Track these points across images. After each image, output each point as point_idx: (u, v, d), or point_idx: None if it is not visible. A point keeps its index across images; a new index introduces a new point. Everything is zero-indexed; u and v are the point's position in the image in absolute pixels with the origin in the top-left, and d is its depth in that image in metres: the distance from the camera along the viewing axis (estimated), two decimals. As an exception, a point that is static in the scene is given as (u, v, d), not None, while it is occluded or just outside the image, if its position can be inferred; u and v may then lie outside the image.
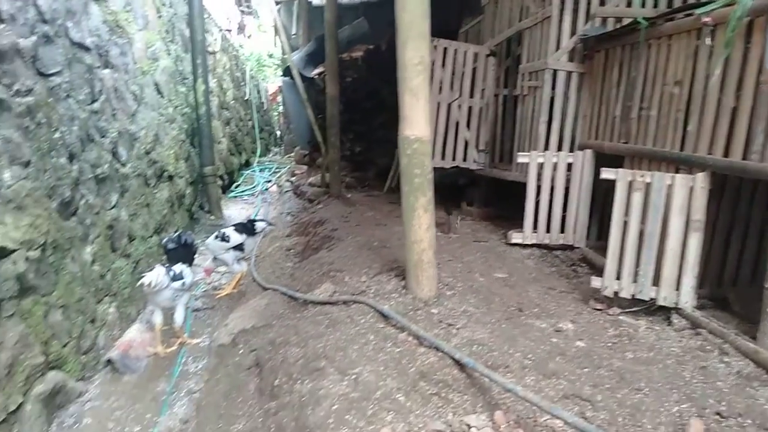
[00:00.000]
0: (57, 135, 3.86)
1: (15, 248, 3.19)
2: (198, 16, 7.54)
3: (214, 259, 5.40)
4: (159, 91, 6.71)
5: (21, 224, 3.29)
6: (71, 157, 4.07)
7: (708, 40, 3.39)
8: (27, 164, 3.43)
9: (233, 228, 5.46)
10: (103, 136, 4.77)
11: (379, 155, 10.39)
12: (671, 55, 3.80)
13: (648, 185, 3.44)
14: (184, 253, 4.62)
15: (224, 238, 5.25)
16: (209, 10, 10.44)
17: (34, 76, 3.67)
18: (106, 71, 5.04)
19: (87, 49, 4.61)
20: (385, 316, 3.22)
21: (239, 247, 5.35)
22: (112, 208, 4.78)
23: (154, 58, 6.68)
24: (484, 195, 6.54)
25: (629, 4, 4.78)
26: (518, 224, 5.29)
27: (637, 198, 3.46)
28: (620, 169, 3.54)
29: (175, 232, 5.50)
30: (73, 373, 3.66)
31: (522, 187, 5.27)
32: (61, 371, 3.52)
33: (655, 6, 4.71)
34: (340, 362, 2.74)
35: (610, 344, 3.07)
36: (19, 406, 3.07)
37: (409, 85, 3.22)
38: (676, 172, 3.57)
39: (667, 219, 3.38)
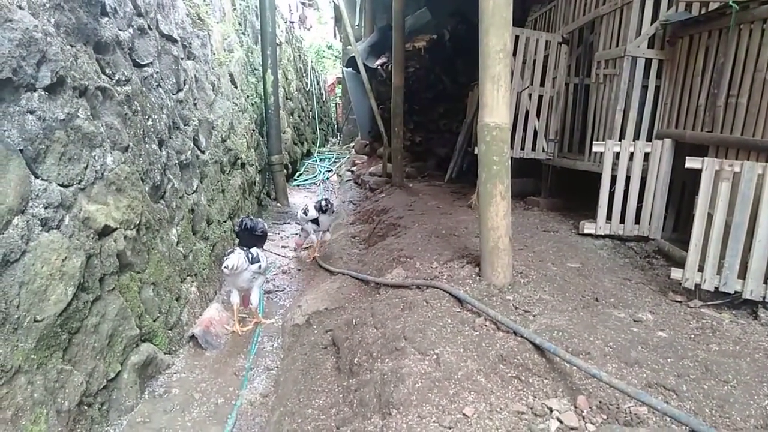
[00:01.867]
0: (150, 122, 4.11)
1: (115, 227, 3.44)
2: (269, 7, 7.77)
3: (302, 230, 6.55)
4: (233, 82, 6.98)
5: (120, 205, 3.54)
6: (161, 144, 4.32)
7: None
8: (126, 149, 3.68)
9: (312, 206, 6.32)
10: (186, 124, 5.03)
11: (438, 145, 10.41)
12: (765, 39, 3.62)
13: (736, 174, 3.31)
14: (248, 237, 4.75)
15: (305, 212, 6.24)
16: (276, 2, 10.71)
17: (130, 66, 3.93)
18: (189, 62, 5.30)
19: (174, 41, 4.87)
20: (460, 301, 3.27)
21: (315, 222, 6.25)
22: (194, 192, 5.04)
23: (229, 49, 6.95)
24: (551, 185, 6.44)
25: (715, -12, 4.57)
26: (586, 215, 5.20)
27: (725, 188, 3.34)
28: (707, 158, 3.42)
29: (240, 217, 5.90)
30: (162, 346, 3.92)
31: (591, 177, 5.17)
32: (152, 344, 3.78)
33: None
34: (420, 343, 2.81)
35: (692, 336, 3.00)
36: (118, 374, 3.33)
37: (490, 73, 3.23)
38: (767, 161, 3.42)
39: (756, 210, 3.24)
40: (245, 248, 4.49)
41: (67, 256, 2.89)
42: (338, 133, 20.85)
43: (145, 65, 4.19)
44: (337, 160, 14.33)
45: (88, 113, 3.27)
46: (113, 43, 3.64)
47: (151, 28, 4.38)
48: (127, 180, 3.65)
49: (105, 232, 3.33)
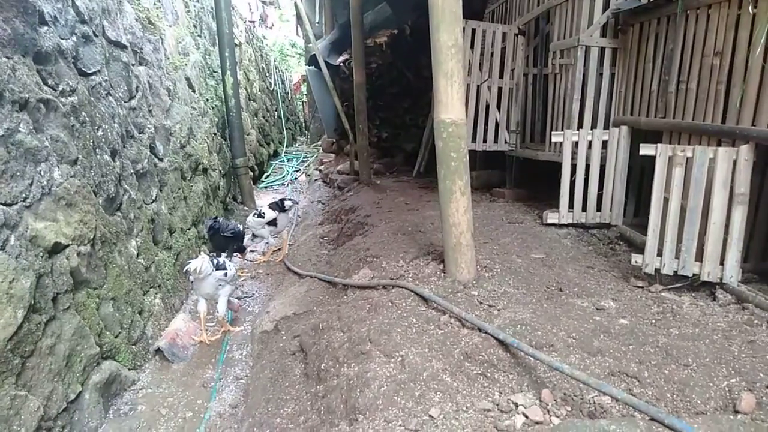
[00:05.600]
0: (100, 132, 3.98)
1: (67, 244, 3.32)
2: (225, 8, 7.61)
3: (253, 236, 6.16)
4: (190, 86, 6.83)
5: (71, 220, 3.42)
6: (113, 154, 4.19)
7: (751, 9, 3.28)
8: (75, 162, 3.55)
9: (267, 206, 6.18)
10: (141, 132, 4.89)
11: (405, 140, 10.39)
12: (711, 25, 3.69)
13: (689, 159, 3.37)
14: (219, 239, 4.75)
15: (260, 215, 6.01)
16: (233, 2, 10.52)
17: (76, 76, 3.79)
18: (142, 68, 5.15)
19: (123, 46, 4.72)
20: (425, 300, 3.26)
21: (273, 223, 6.07)
22: (153, 202, 4.91)
23: (184, 53, 6.79)
24: (515, 176, 6.49)
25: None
26: (551, 204, 5.25)
27: (678, 173, 3.40)
28: (660, 144, 3.47)
29: (208, 218, 5.92)
30: (126, 362, 3.81)
31: (554, 167, 5.22)
32: (114, 361, 3.67)
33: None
34: (385, 345, 2.79)
35: (653, 321, 3.04)
36: (78, 395, 3.22)
37: (443, 69, 3.21)
38: (718, 145, 3.49)
39: (709, 193, 3.31)
40: (215, 254, 4.40)
41: (14, 277, 2.78)
42: (306, 132, 20.67)
43: (92, 74, 4.05)
44: (305, 159, 14.20)
45: (31, 127, 3.14)
46: (55, 52, 3.50)
47: (96, 35, 4.24)
48: (77, 194, 3.53)
49: (56, 249, 3.21)
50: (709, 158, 3.28)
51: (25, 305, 2.82)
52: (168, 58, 6.09)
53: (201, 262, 4.14)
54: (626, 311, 3.15)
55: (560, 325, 2.86)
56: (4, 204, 2.82)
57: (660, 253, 3.51)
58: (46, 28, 3.47)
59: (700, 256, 3.38)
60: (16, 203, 2.93)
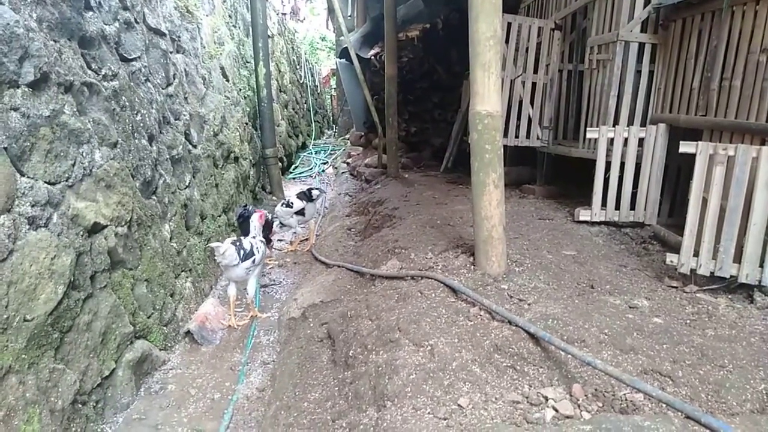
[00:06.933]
0: (139, 117, 4.07)
1: (106, 224, 3.41)
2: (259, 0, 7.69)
3: (281, 225, 6.22)
4: (224, 75, 6.93)
5: (110, 202, 3.51)
6: (151, 139, 4.28)
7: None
8: (114, 145, 3.64)
9: (295, 196, 6.16)
10: (177, 119, 4.98)
11: (434, 135, 10.36)
12: (758, 21, 3.58)
13: (731, 158, 3.28)
14: (247, 227, 4.82)
15: (289, 204, 6.01)
16: (267, -6, 10.62)
17: (117, 61, 3.88)
18: (179, 56, 5.24)
19: (162, 34, 4.81)
20: (455, 291, 3.25)
21: (301, 212, 6.06)
22: (186, 188, 5.00)
23: (220, 42, 6.88)
24: (546, 173, 6.41)
25: (708, -31, 4.52)
26: (582, 202, 5.17)
27: (719, 171, 3.31)
28: (700, 142, 3.39)
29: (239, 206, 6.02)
30: (157, 342, 3.90)
31: (587, 164, 5.14)
32: (146, 341, 3.76)
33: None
34: (414, 334, 2.79)
35: (688, 321, 2.98)
36: (112, 371, 3.31)
37: (481, 60, 3.19)
38: (762, 144, 3.39)
39: (751, 193, 3.22)
40: (238, 240, 4.45)
41: (56, 254, 2.87)
42: (334, 125, 20.76)
43: (132, 59, 4.14)
44: (332, 152, 14.27)
45: (74, 109, 3.23)
46: (98, 37, 3.59)
47: (137, 22, 4.32)
48: (116, 176, 3.62)
49: (95, 229, 3.30)
50: (752, 157, 3.19)
51: (66, 282, 2.91)
52: (204, 47, 6.18)
53: (225, 249, 4.18)
54: (660, 310, 3.10)
55: (592, 321, 2.82)
56: (49, 183, 2.91)
57: (696, 254, 3.43)
58: (91, 13, 3.55)
59: (738, 258, 3.29)
60: (60, 182, 3.02)
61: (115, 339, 3.38)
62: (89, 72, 3.45)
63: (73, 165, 3.16)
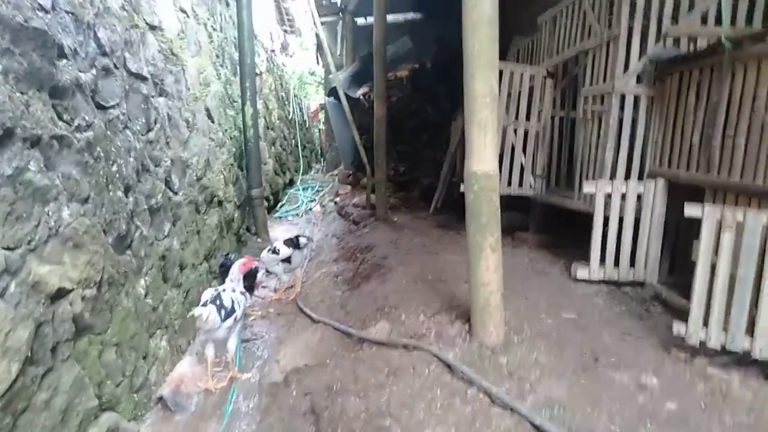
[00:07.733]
0: (114, 168, 3.83)
1: (72, 288, 3.13)
2: (248, 39, 7.57)
3: (267, 272, 6.05)
4: (210, 116, 6.73)
5: (78, 263, 3.23)
6: (127, 190, 4.03)
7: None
8: (85, 200, 3.39)
9: (282, 242, 5.98)
10: (157, 166, 4.75)
11: (423, 175, 10.24)
12: (762, 78, 3.48)
13: (739, 224, 3.12)
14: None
15: (275, 251, 5.82)
16: (256, 32, 10.55)
17: (93, 110, 3.65)
18: (161, 99, 5.04)
19: (144, 78, 4.61)
20: (450, 367, 3.00)
21: (287, 260, 5.87)
22: (165, 237, 4.73)
23: (205, 83, 6.71)
24: (539, 221, 6.25)
25: (704, 21, 4.46)
26: (577, 253, 4.98)
27: (728, 238, 3.14)
28: (707, 206, 3.22)
29: (220, 254, 5.80)
30: (126, 413, 3.58)
31: (582, 215, 4.97)
32: (114, 412, 3.44)
33: (733, 23, 4.35)
34: (407, 422, 2.54)
35: (703, 405, 2.77)
36: (73, 450, 2.99)
37: (477, 118, 3.03)
38: (771, 208, 3.25)
39: (762, 263, 3.05)
40: (220, 295, 4.17)
41: (11, 328, 2.58)
42: (322, 158, 20.64)
43: (110, 107, 3.92)
44: (320, 189, 14.07)
45: (41, 165, 2.98)
46: (72, 86, 3.37)
47: (117, 67, 4.12)
48: (86, 234, 3.35)
49: (59, 294, 3.01)
50: (762, 225, 3.03)
51: (21, 358, 2.61)
52: (189, 89, 5.99)
53: (208, 314, 3.91)
54: (671, 391, 2.88)
55: (601, 407, 2.60)
56: (7, 248, 2.64)
57: (705, 323, 3.23)
58: (65, 61, 3.34)
59: (750, 330, 3.09)
60: (20, 246, 2.75)
61: (77, 416, 3.06)
62: (60, 124, 3.22)
63: (37, 226, 2.89)
